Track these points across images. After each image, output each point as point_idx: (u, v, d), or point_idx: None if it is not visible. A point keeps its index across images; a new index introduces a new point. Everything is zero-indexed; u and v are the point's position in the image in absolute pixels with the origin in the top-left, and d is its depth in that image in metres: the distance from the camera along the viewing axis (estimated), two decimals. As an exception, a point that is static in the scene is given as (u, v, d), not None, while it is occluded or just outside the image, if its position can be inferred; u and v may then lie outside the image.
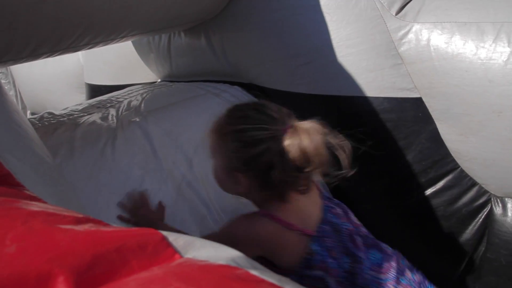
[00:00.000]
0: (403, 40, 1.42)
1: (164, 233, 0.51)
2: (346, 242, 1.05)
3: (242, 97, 1.68)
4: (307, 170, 0.99)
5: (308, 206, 1.08)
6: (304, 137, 0.98)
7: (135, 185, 1.32)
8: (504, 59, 1.26)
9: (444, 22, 1.37)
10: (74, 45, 1.55)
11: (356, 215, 1.60)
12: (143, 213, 1.13)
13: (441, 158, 1.45)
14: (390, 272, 1.05)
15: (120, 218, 1.12)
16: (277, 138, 0.99)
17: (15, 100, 3.31)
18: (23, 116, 0.87)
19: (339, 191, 1.64)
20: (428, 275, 1.59)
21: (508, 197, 1.41)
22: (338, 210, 1.12)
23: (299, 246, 1.03)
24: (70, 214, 0.55)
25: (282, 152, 0.98)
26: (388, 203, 1.57)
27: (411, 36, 1.41)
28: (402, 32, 1.43)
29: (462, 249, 1.51)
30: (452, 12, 1.39)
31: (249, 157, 1.00)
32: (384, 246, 1.10)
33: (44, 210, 0.56)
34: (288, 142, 0.98)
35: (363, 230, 1.12)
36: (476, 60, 1.30)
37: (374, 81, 1.45)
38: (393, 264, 1.06)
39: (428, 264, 1.57)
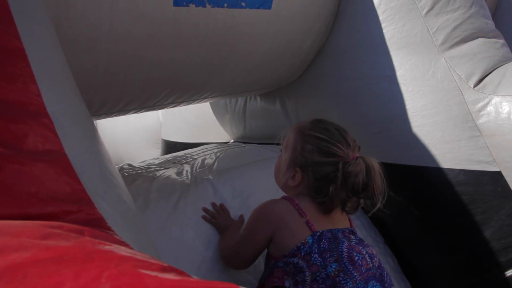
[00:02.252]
0: (482, 112, 1.40)
1: None
2: (343, 255, 1.11)
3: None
4: (360, 195, 1.14)
5: (330, 217, 1.19)
6: (368, 168, 1.13)
7: (203, 242, 1.35)
8: None
9: (526, 96, 1.34)
10: (160, 103, 1.68)
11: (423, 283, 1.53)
12: (222, 219, 1.39)
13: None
14: None
15: (204, 218, 1.40)
16: (346, 161, 1.14)
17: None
18: (114, 166, 0.95)
19: (408, 260, 1.58)
20: None
21: None
22: (356, 244, 1.16)
23: (299, 234, 1.15)
24: (156, 262, 0.58)
25: (347, 173, 1.12)
26: (462, 281, 1.47)
27: (490, 108, 1.39)
28: (481, 104, 1.41)
29: None
30: (534, 86, 1.36)
31: (318, 162, 1.16)
32: None
33: (132, 255, 0.60)
34: (354, 168, 1.12)
35: (381, 268, 1.16)
36: None
37: (450, 152, 1.42)
38: None
39: None
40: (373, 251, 1.17)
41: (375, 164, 1.14)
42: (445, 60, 1.50)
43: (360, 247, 1.14)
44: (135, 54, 1.34)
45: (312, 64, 1.81)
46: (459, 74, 1.46)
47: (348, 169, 1.12)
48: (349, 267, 1.08)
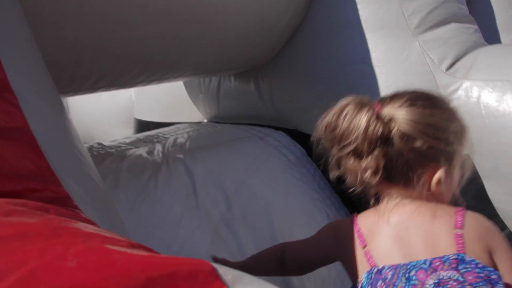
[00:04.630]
0: (453, 96, 1.42)
1: (215, 265, 0.52)
2: None
3: (286, 142, 1.71)
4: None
5: (413, 237, 0.91)
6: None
7: (174, 220, 1.35)
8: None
9: (496, 80, 1.37)
10: (131, 81, 1.64)
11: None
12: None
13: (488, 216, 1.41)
14: None
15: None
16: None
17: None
18: (83, 144, 0.92)
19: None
20: None
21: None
22: None
23: (357, 265, 0.95)
24: (124, 239, 0.57)
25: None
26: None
27: (460, 92, 1.42)
28: (452, 88, 1.43)
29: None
30: (505, 70, 1.39)
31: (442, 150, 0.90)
32: None
33: (100, 233, 0.59)
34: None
35: None
36: (529, 120, 1.28)
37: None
38: None
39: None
40: None
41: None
42: (419, 43, 1.51)
43: None
44: (104, 30, 1.30)
45: (287, 45, 1.80)
46: (432, 58, 1.48)
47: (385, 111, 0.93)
48: None
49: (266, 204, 1.45)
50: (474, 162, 1.40)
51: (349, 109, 0.92)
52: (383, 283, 0.88)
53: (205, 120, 2.34)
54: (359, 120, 0.90)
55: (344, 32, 1.59)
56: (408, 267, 0.87)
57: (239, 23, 1.59)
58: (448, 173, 0.91)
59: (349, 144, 0.90)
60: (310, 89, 1.67)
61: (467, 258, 0.85)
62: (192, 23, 1.48)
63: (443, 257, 0.85)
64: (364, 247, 0.93)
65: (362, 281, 0.92)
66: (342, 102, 0.95)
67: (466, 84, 1.41)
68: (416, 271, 0.86)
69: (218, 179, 1.48)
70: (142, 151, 1.68)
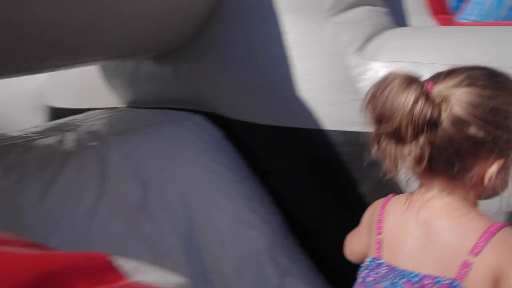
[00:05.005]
0: (361, 77, 1.48)
1: (112, 256, 0.52)
2: None
3: (205, 126, 1.70)
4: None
5: (426, 251, 0.84)
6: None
7: (86, 211, 1.30)
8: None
9: (400, 62, 1.44)
10: (36, 66, 1.53)
11: (315, 241, 1.61)
12: None
13: (393, 191, 1.50)
14: None
15: None
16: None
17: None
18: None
19: (295, 218, 1.67)
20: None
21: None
22: None
23: (369, 245, 0.95)
24: (18, 239, 0.54)
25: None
26: (344, 233, 1.59)
27: (369, 73, 1.48)
28: (361, 69, 1.49)
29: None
30: (410, 52, 1.47)
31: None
32: None
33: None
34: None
35: None
36: (429, 99, 1.38)
37: (332, 115, 1.50)
38: None
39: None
40: None
41: None
42: (331, 25, 1.55)
43: None
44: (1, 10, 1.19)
45: (204, 27, 1.77)
46: (344, 39, 1.53)
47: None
48: None
49: (184, 188, 1.44)
50: (382, 139, 1.49)
51: (395, 84, 0.79)
52: (374, 277, 0.89)
53: (122, 105, 2.26)
54: (405, 99, 0.77)
55: (258, 14, 1.60)
56: (401, 273, 0.85)
57: (152, 6, 1.54)
58: (504, 167, 0.80)
59: (391, 126, 0.79)
60: (227, 72, 1.66)
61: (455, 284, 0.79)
62: (101, 5, 1.41)
63: (436, 277, 0.80)
64: (379, 234, 0.91)
65: (366, 264, 0.93)
66: (388, 76, 0.82)
67: (374, 65, 1.48)
68: (406, 281, 0.83)
69: (134, 165, 1.44)
70: (52, 140, 1.59)
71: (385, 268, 0.88)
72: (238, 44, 1.62)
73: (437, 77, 0.84)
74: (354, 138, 1.50)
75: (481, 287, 0.77)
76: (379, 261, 0.89)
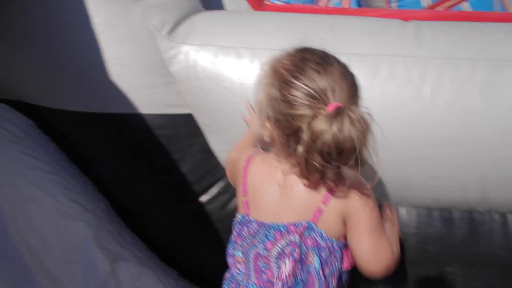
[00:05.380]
0: (174, 60, 1.52)
1: None
2: (250, 256, 1.06)
3: (10, 116, 1.56)
4: (333, 163, 0.90)
5: (287, 204, 1.01)
6: (345, 126, 0.85)
7: None
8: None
9: (208, 45, 1.52)
10: None
11: (144, 222, 1.63)
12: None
13: (212, 168, 1.61)
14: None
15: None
16: (317, 114, 0.87)
17: None
18: None
19: (121, 203, 1.67)
20: (208, 272, 1.73)
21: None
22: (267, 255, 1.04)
23: (239, 204, 1.10)
24: None
25: (313, 133, 0.86)
26: (170, 211, 1.66)
27: (181, 56, 1.53)
28: (173, 52, 1.53)
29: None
30: (216, 36, 1.56)
31: (286, 113, 0.90)
32: None
33: None
34: (326, 127, 0.85)
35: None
36: (236, 80, 1.49)
37: (148, 98, 1.52)
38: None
39: (210, 262, 1.72)
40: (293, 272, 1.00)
41: (357, 118, 0.86)
42: (140, 8, 1.53)
43: (272, 263, 1.01)
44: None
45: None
46: (154, 23, 1.54)
47: (314, 127, 0.86)
48: (250, 265, 1.05)
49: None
50: (197, 120, 1.56)
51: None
52: (247, 232, 1.05)
53: None
54: None
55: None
56: (270, 226, 1.02)
57: None
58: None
59: None
60: (31, 56, 1.54)
61: (316, 228, 1.00)
62: None
63: (296, 223, 1.00)
64: (245, 195, 1.05)
65: (238, 219, 1.09)
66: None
67: (185, 48, 1.53)
68: (275, 231, 1.02)
69: None
70: None
71: (255, 224, 1.04)
72: (40, 24, 1.49)
73: None
74: (171, 120, 1.55)
75: (333, 225, 1.01)
76: (249, 218, 1.05)
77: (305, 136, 0.87)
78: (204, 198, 1.63)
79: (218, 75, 1.50)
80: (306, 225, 1.00)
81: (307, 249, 1.01)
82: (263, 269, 1.04)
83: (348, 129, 0.85)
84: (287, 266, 1.00)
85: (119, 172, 1.61)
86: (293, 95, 0.90)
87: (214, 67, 1.50)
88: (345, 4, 5.55)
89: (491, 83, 1.40)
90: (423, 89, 1.37)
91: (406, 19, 2.88)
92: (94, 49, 1.47)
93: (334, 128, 0.85)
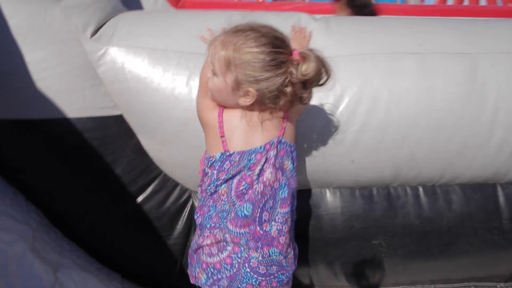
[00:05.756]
0: (101, 62, 1.52)
1: None
2: (233, 184, 1.26)
3: None
4: (314, 85, 1.22)
5: (258, 131, 1.26)
6: (317, 61, 1.19)
7: None
8: (185, 81, 1.52)
9: (135, 47, 1.54)
10: None
11: (81, 228, 1.62)
12: None
13: (146, 167, 1.63)
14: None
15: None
16: (294, 61, 1.19)
17: None
18: None
19: (56, 212, 1.64)
20: (153, 271, 1.76)
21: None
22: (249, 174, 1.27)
23: (215, 147, 1.27)
24: None
25: (302, 74, 1.17)
26: (108, 215, 1.66)
27: (108, 58, 1.53)
28: (99, 53, 1.52)
29: (178, 242, 1.73)
30: (142, 38, 1.57)
31: (269, 76, 1.17)
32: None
33: None
34: (306, 65, 1.17)
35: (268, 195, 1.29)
36: (164, 81, 1.52)
37: (76, 102, 1.51)
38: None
39: (153, 261, 1.74)
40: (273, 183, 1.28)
41: (314, 53, 1.20)
42: (60, 9, 1.51)
43: (254, 177, 1.25)
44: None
45: None
46: (76, 24, 1.52)
47: (302, 69, 1.18)
48: (232, 193, 1.26)
49: None
50: (128, 120, 1.58)
51: None
52: (229, 163, 1.25)
53: None
54: None
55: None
56: (250, 151, 1.26)
57: None
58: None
59: None
60: None
61: (283, 141, 1.29)
62: None
63: (270, 141, 1.27)
64: (222, 136, 1.25)
65: (216, 158, 1.26)
66: None
67: (111, 50, 1.53)
68: (255, 154, 1.26)
69: None
70: None
71: (236, 155, 1.25)
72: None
73: None
74: (101, 122, 1.55)
75: (291, 134, 1.33)
76: (229, 153, 1.26)
77: (294, 77, 1.19)
78: (140, 198, 1.65)
79: (146, 76, 1.52)
80: (277, 140, 1.28)
81: (281, 158, 1.30)
82: (244, 191, 1.26)
83: (318, 62, 1.20)
84: (271, 174, 1.27)
85: (51, 180, 1.57)
86: (273, 59, 1.17)
87: (142, 69, 1.52)
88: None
89: (390, 72, 1.58)
90: (336, 84, 1.51)
91: (317, 12, 3.07)
92: (16, 53, 1.43)
93: (312, 59, 1.19)
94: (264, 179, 1.26)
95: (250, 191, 1.25)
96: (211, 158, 1.28)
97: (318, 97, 1.55)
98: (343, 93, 1.58)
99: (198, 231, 1.32)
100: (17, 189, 1.56)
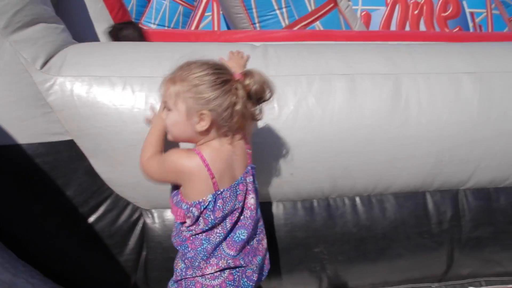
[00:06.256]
0: (50, 91, 1.62)
1: None
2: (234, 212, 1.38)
3: None
4: (265, 98, 1.35)
5: (235, 162, 1.38)
6: (259, 76, 1.32)
7: None
8: (132, 104, 1.64)
9: (83, 76, 1.65)
10: None
11: (35, 249, 1.67)
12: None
13: (98, 188, 1.72)
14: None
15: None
16: (237, 78, 1.31)
17: None
18: None
19: (11, 234, 1.70)
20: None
21: (154, 208, 1.81)
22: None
23: (204, 192, 1.33)
24: None
25: (247, 87, 1.30)
26: (60, 235, 1.73)
27: (56, 87, 1.63)
28: (48, 84, 1.63)
29: (131, 258, 1.81)
30: (89, 67, 1.69)
31: (218, 95, 1.28)
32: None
33: None
34: (249, 79, 1.30)
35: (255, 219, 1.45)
36: (112, 106, 1.64)
37: (27, 129, 1.60)
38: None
39: (107, 278, 1.81)
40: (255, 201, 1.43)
41: (255, 70, 1.34)
42: (10, 44, 1.60)
43: (241, 205, 1.39)
44: None
45: None
46: (25, 57, 1.62)
47: (246, 83, 1.30)
48: (227, 225, 1.37)
49: None
50: (79, 145, 1.67)
51: None
52: (222, 201, 1.34)
53: None
54: None
55: None
56: (236, 183, 1.37)
57: None
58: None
59: None
60: None
61: (253, 166, 1.45)
62: None
63: (246, 170, 1.42)
64: (213, 178, 1.32)
65: (208, 200, 1.33)
66: None
67: (60, 79, 1.64)
68: (239, 185, 1.38)
69: None
70: None
71: (226, 192, 1.35)
72: None
73: None
74: (52, 148, 1.65)
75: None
76: (220, 191, 1.34)
77: (240, 93, 1.30)
78: (92, 218, 1.73)
79: (94, 103, 1.63)
80: (250, 167, 1.44)
81: (255, 182, 1.46)
82: (236, 220, 1.39)
83: (260, 77, 1.34)
84: (253, 199, 1.43)
85: (4, 203, 1.64)
86: (218, 78, 1.30)
87: (90, 95, 1.63)
88: (216, 26, 5.91)
89: (324, 92, 1.75)
90: (273, 102, 1.66)
91: (268, 39, 3.25)
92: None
93: (254, 74, 1.33)
94: (249, 204, 1.41)
95: (241, 218, 1.40)
96: (202, 203, 1.33)
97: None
98: (281, 111, 1.73)
99: (188, 263, 1.40)
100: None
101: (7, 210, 1.66)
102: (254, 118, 1.38)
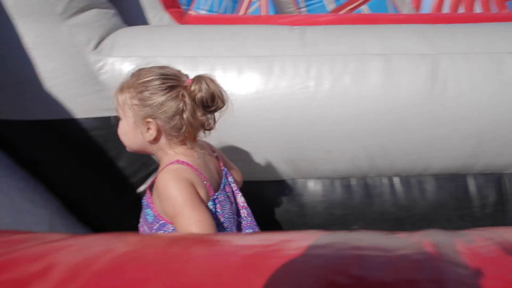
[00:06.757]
0: (102, 71, 1.76)
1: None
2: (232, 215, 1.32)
3: None
4: (213, 107, 1.23)
5: (210, 163, 1.32)
6: (208, 82, 1.22)
7: None
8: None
9: (131, 56, 1.78)
10: None
11: (89, 215, 1.84)
12: None
13: (147, 160, 1.86)
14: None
15: None
16: (185, 85, 1.21)
17: None
18: None
19: (69, 197, 1.86)
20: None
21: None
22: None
23: (204, 198, 1.22)
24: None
25: (192, 94, 1.20)
26: (111, 203, 1.88)
27: (107, 67, 1.77)
28: (100, 64, 1.77)
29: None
30: (137, 48, 1.81)
31: (163, 101, 1.19)
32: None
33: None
34: (196, 86, 1.20)
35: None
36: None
37: (83, 105, 1.74)
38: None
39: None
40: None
41: (206, 76, 1.24)
42: (67, 27, 1.75)
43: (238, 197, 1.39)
44: None
45: None
46: (80, 40, 1.76)
47: (191, 89, 1.20)
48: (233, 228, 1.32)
49: None
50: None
51: None
52: (220, 206, 1.27)
53: None
54: None
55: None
56: (223, 186, 1.31)
57: None
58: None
59: None
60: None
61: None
62: None
63: (223, 171, 1.38)
64: (206, 181, 1.24)
65: (210, 207, 1.24)
66: None
67: (110, 60, 1.77)
68: (225, 187, 1.33)
69: None
70: None
71: (221, 195, 1.29)
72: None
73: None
74: (104, 122, 1.78)
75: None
76: (215, 196, 1.27)
77: (187, 100, 1.20)
78: (141, 188, 1.87)
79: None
80: (222, 169, 1.39)
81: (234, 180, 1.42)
82: (236, 223, 1.38)
83: (209, 83, 1.23)
84: (242, 198, 1.41)
85: (64, 172, 1.80)
86: (163, 83, 1.23)
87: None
88: (263, 11, 5.96)
89: (359, 72, 1.77)
90: (308, 81, 1.71)
91: (313, 23, 3.26)
92: (28, 64, 1.66)
93: (204, 85, 1.22)
94: (241, 203, 1.40)
95: (241, 220, 1.39)
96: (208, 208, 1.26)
97: (292, 92, 1.75)
98: (316, 89, 1.77)
99: None
100: (38, 179, 1.78)
101: (66, 178, 1.82)
102: (204, 128, 1.26)
